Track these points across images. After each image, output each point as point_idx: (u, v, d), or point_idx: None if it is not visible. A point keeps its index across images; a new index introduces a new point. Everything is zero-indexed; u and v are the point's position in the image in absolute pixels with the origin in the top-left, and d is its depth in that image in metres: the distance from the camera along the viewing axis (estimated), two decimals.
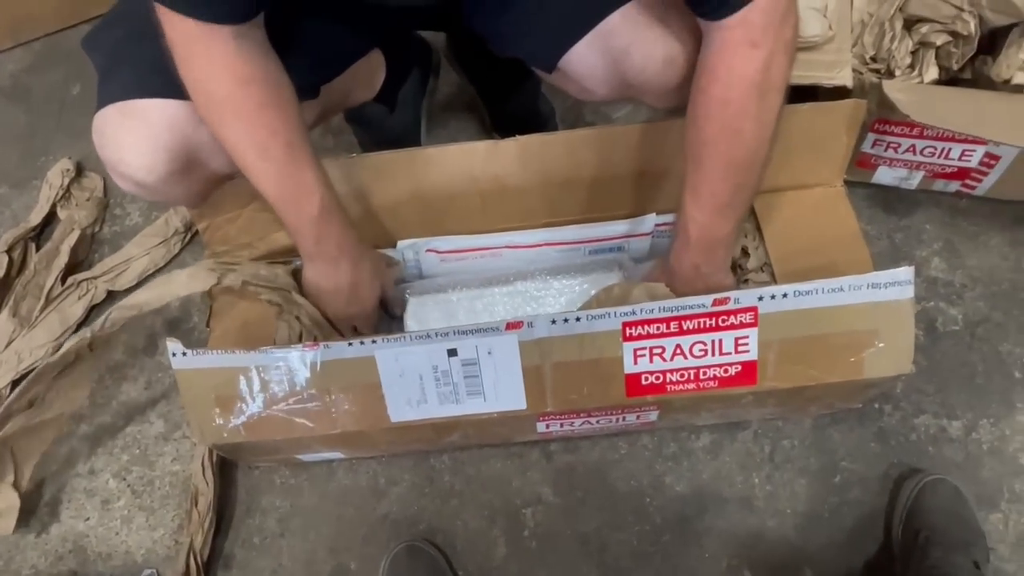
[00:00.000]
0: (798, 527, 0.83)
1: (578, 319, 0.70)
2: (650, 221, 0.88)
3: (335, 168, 0.86)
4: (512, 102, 1.09)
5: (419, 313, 0.89)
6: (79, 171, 1.17)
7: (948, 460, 0.84)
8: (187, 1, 0.61)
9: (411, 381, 0.74)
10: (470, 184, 0.86)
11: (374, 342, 0.72)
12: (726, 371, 0.74)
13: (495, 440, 0.89)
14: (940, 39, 0.87)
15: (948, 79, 0.89)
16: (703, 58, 0.67)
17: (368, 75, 0.97)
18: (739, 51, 0.63)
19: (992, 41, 0.87)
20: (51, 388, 0.84)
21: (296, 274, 0.85)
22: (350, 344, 0.72)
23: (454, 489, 0.89)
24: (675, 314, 0.70)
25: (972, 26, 0.84)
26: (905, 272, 0.68)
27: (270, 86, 0.67)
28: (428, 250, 0.91)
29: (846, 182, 0.89)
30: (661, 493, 0.86)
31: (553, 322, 0.70)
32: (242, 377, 0.74)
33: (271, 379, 0.74)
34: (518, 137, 0.83)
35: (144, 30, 0.67)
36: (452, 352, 0.72)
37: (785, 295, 0.69)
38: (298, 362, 0.73)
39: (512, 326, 0.70)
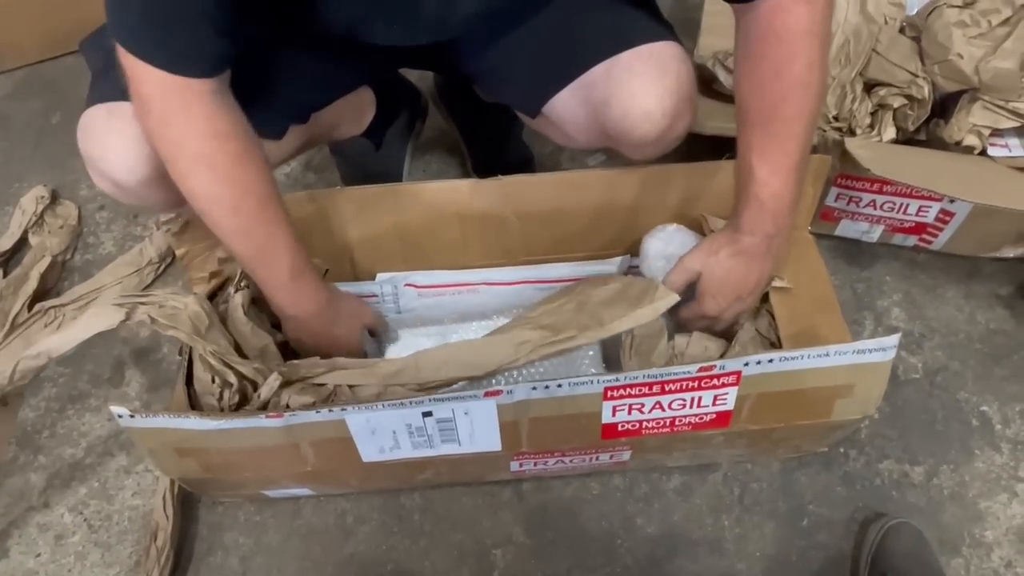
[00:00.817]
0: (767, 571, 0.83)
1: (559, 385, 0.68)
2: (624, 263, 0.91)
3: (319, 200, 0.87)
4: (494, 146, 1.12)
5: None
6: (54, 198, 1.16)
7: (911, 505, 0.86)
8: (167, 56, 0.60)
9: (384, 435, 0.73)
10: (451, 221, 0.88)
11: (344, 409, 0.69)
12: (701, 418, 0.75)
13: (468, 478, 0.88)
14: (897, 102, 0.92)
15: (905, 139, 0.95)
16: (748, 34, 0.67)
17: (358, 110, 1.00)
18: (795, 9, 0.64)
19: (944, 105, 0.93)
20: None
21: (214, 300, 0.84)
22: (317, 412, 0.69)
23: (423, 528, 0.87)
24: (659, 379, 0.69)
25: (926, 91, 0.90)
26: (891, 340, 0.68)
27: (244, 141, 0.67)
28: (407, 284, 0.92)
29: (811, 233, 0.93)
30: (632, 534, 0.86)
31: (534, 388, 0.68)
32: (203, 437, 0.71)
33: (234, 436, 0.72)
34: (500, 177, 0.85)
35: None
36: (427, 414, 0.71)
37: (771, 360, 0.68)
38: (263, 424, 0.70)
39: (491, 393, 0.68)
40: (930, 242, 1.01)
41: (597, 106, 0.75)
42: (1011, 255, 1.01)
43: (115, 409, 0.68)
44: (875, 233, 1.02)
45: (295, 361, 0.78)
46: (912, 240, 1.02)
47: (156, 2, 0.58)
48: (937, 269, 1.04)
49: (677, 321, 0.85)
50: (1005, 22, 0.90)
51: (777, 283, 0.83)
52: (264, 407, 0.75)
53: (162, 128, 0.64)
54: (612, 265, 0.92)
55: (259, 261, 0.73)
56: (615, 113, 0.74)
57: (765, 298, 0.85)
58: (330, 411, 0.69)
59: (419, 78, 1.17)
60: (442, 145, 1.20)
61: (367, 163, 1.05)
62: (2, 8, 1.28)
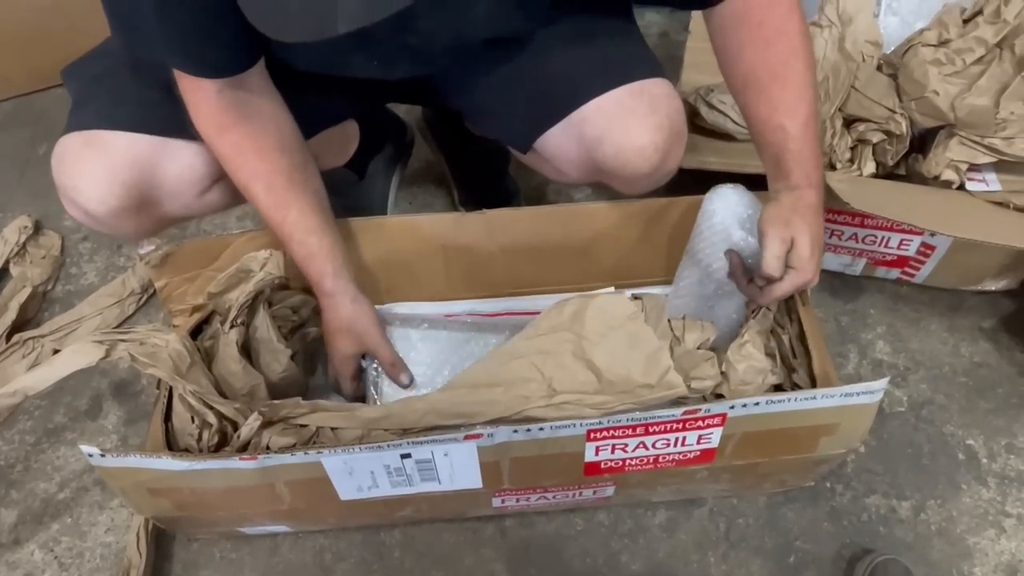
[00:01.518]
0: None
1: (541, 428, 0.68)
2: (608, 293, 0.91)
3: None
4: (481, 180, 1.13)
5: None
6: (37, 229, 1.15)
7: (899, 540, 0.85)
8: (175, 58, 0.67)
9: (362, 475, 0.72)
10: (436, 253, 0.88)
11: (320, 452, 0.68)
12: (684, 455, 0.74)
13: (449, 514, 0.87)
14: (876, 137, 0.93)
15: (885, 174, 0.96)
16: (738, 16, 0.70)
17: (341, 141, 1.00)
18: (758, 12, 0.69)
19: (923, 141, 0.94)
20: None
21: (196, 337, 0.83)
22: (293, 455, 0.68)
23: (404, 566, 0.85)
24: (643, 422, 0.69)
25: (904, 126, 0.91)
26: (879, 384, 0.67)
27: (248, 135, 0.71)
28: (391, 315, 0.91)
29: None
30: (616, 572, 0.84)
31: (515, 431, 0.68)
32: (175, 477, 0.70)
33: (207, 476, 0.70)
34: (485, 211, 0.85)
35: (123, 65, 0.69)
36: (406, 456, 0.70)
37: (757, 403, 0.68)
38: (237, 466, 0.69)
39: (471, 437, 0.68)
40: (912, 275, 1.02)
41: (590, 142, 0.76)
42: (993, 288, 1.02)
43: (85, 448, 0.66)
44: (858, 266, 1.03)
45: (277, 401, 0.77)
46: (895, 273, 1.02)
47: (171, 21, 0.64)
48: (920, 302, 1.04)
49: (758, 303, 0.77)
50: (979, 60, 0.92)
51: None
52: (244, 447, 0.74)
53: (190, 113, 0.71)
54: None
55: (279, 241, 0.78)
56: (609, 149, 0.75)
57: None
58: (305, 454, 0.69)
59: (407, 111, 1.18)
60: (429, 177, 1.21)
61: (351, 195, 1.06)
62: None
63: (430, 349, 0.90)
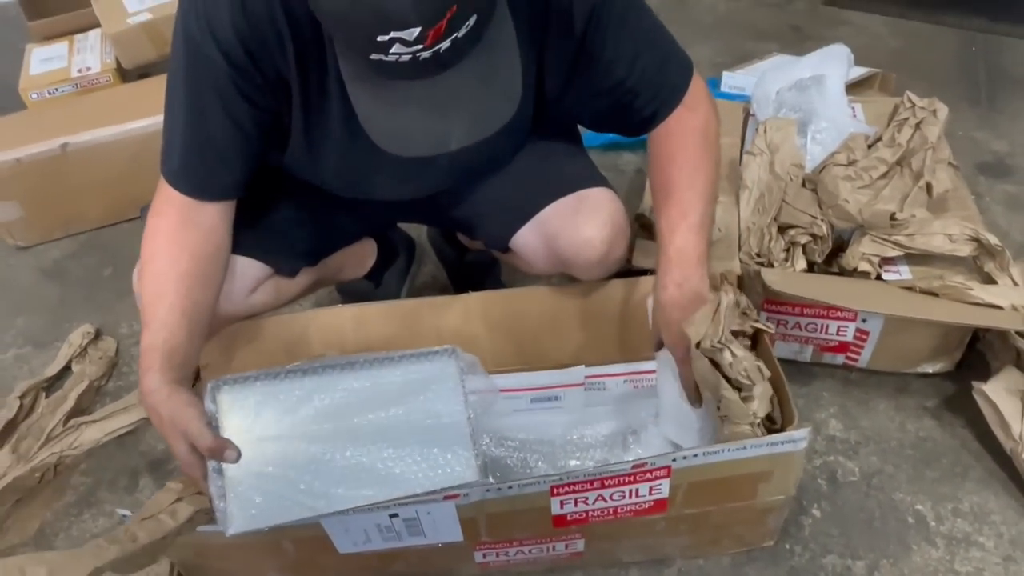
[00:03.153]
0: None
1: (510, 487, 0.78)
2: (580, 372, 1.05)
3: (323, 316, 1.03)
4: (476, 286, 1.31)
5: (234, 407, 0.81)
6: (97, 335, 1.35)
7: None
8: (184, 170, 0.82)
9: (356, 532, 0.84)
10: (430, 333, 1.03)
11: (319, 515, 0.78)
12: (640, 506, 0.85)
13: (436, 570, 0.95)
14: (804, 239, 1.10)
15: (816, 270, 1.12)
16: (654, 140, 0.90)
17: (361, 257, 1.21)
18: (683, 115, 0.88)
19: (843, 242, 1.11)
20: (9, 515, 0.93)
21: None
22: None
23: None
24: (599, 476, 0.80)
25: (824, 229, 1.09)
26: (800, 434, 0.78)
27: (180, 228, 0.82)
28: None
29: None
30: None
31: (487, 491, 0.79)
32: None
33: (216, 533, 0.78)
34: (470, 293, 1.02)
35: None
36: (393, 515, 0.81)
37: (696, 455, 0.79)
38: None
39: (449, 497, 0.79)
40: (856, 360, 1.14)
41: (550, 238, 0.95)
42: (931, 371, 1.13)
43: (121, 511, 0.80)
44: (807, 353, 1.16)
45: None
46: (840, 358, 1.15)
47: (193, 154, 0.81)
48: (869, 385, 1.16)
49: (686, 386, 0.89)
50: (884, 175, 1.11)
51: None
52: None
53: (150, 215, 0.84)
54: (573, 375, 1.06)
55: (144, 307, 0.82)
56: (563, 242, 0.94)
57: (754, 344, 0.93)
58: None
59: (417, 234, 1.39)
60: (434, 287, 1.39)
61: (368, 299, 1.24)
62: (75, 186, 1.56)
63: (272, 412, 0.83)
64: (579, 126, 1.06)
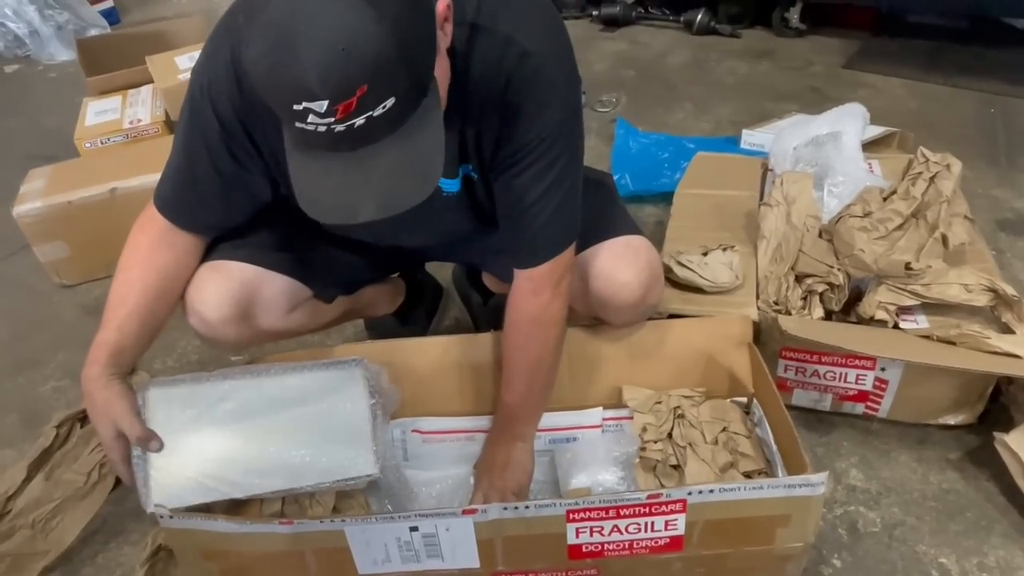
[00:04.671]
0: None
1: (527, 507, 0.81)
2: (597, 414, 1.06)
3: (346, 350, 1.07)
4: (498, 327, 1.35)
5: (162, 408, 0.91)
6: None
7: None
8: (175, 202, 0.91)
9: (376, 547, 0.85)
10: (452, 371, 1.06)
11: (344, 520, 0.83)
12: (656, 542, 0.85)
13: None
14: (821, 287, 1.12)
15: (834, 319, 1.13)
16: (509, 298, 0.95)
17: (392, 295, 1.28)
18: (524, 296, 0.93)
19: (860, 292, 1.13)
20: (56, 515, 1.00)
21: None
22: (321, 521, 0.85)
23: None
24: (614, 504, 0.82)
25: (841, 278, 1.11)
26: (818, 477, 0.78)
27: (156, 250, 0.91)
28: (413, 430, 1.08)
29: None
30: None
31: (505, 508, 0.81)
32: (225, 539, 0.85)
33: (251, 540, 0.84)
34: (492, 331, 1.06)
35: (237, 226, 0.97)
36: (414, 528, 0.84)
37: (712, 491, 0.80)
38: (276, 530, 0.83)
39: (468, 512, 0.82)
40: (876, 409, 1.14)
41: (590, 278, 0.99)
42: (953, 423, 1.13)
43: (158, 511, 0.83)
44: (826, 402, 1.16)
45: None
46: (860, 408, 1.15)
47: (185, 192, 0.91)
48: (890, 436, 1.15)
49: None
50: (899, 227, 1.13)
51: None
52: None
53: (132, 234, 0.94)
54: (591, 416, 1.07)
55: (108, 306, 0.91)
56: (600, 284, 0.98)
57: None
58: (332, 521, 0.84)
59: (444, 279, 1.44)
60: (457, 330, 1.43)
61: (395, 336, 1.28)
62: (121, 228, 1.61)
63: (193, 409, 0.93)
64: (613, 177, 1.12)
